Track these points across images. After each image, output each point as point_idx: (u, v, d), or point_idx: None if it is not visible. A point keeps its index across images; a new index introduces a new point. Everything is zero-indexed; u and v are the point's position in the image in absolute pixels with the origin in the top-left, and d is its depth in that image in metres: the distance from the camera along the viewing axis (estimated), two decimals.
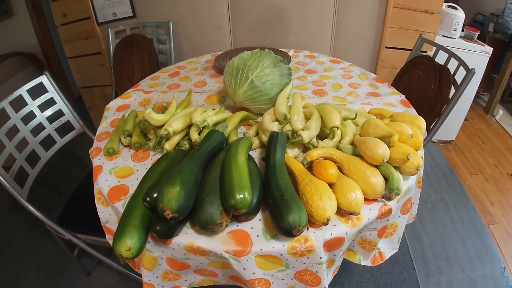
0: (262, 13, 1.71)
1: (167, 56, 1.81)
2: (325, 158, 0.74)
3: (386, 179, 0.68)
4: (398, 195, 0.67)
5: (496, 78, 2.42)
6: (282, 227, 0.56)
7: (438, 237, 1.49)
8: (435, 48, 1.30)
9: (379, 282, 1.29)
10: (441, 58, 1.23)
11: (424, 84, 1.20)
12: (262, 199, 0.65)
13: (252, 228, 0.63)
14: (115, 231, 0.59)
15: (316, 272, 0.63)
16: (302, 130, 0.77)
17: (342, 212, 0.63)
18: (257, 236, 0.62)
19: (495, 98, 2.43)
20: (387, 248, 0.79)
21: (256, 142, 0.84)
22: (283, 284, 0.66)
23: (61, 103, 1.18)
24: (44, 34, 2.33)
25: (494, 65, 2.46)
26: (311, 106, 0.91)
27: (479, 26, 2.49)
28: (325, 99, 1.08)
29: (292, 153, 0.78)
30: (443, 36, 1.89)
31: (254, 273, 0.62)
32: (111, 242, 0.58)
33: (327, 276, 0.67)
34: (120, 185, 0.75)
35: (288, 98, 0.94)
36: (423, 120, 0.80)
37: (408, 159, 0.66)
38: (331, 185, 0.65)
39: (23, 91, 1.08)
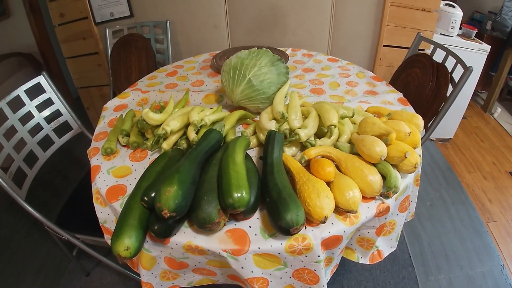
0: (259, 12, 1.71)
1: (164, 56, 1.80)
2: (323, 157, 0.74)
3: (384, 177, 0.68)
4: (396, 193, 0.67)
5: (494, 76, 2.43)
6: (280, 226, 0.56)
7: (437, 235, 1.49)
8: (433, 46, 1.30)
9: (378, 280, 1.29)
10: (438, 56, 1.24)
11: (422, 82, 1.20)
12: (260, 198, 0.65)
13: (250, 227, 0.63)
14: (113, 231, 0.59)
15: (314, 270, 0.63)
16: (300, 128, 0.77)
17: (340, 210, 0.64)
18: (255, 234, 0.62)
19: (493, 96, 2.44)
20: (386, 246, 0.79)
21: (253, 141, 0.84)
22: (281, 282, 0.66)
23: (59, 104, 1.18)
24: (42, 35, 2.32)
25: (492, 63, 2.47)
26: (308, 105, 0.91)
27: (477, 24, 2.50)
28: (322, 97, 1.08)
29: (289, 152, 0.79)
30: (440, 34, 1.90)
31: (252, 271, 0.62)
32: (109, 242, 0.58)
33: (325, 275, 0.67)
34: (118, 184, 0.75)
35: (285, 97, 0.94)
36: (421, 118, 0.80)
37: (406, 157, 0.66)
38: (328, 184, 0.65)
39: (20, 91, 1.08)
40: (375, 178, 0.65)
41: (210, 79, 1.24)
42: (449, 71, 1.16)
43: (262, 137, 0.81)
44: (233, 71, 0.91)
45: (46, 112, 1.16)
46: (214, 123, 0.86)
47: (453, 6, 1.85)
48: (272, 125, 0.80)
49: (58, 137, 1.19)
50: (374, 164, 0.69)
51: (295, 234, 0.58)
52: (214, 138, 0.75)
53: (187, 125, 0.85)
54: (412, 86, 1.27)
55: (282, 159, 0.72)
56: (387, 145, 0.68)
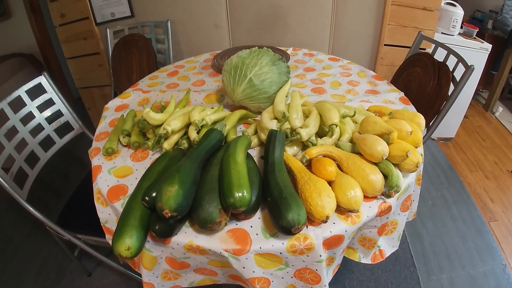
0: (260, 11, 1.70)
1: (165, 56, 1.80)
2: (324, 156, 0.73)
3: (385, 176, 0.67)
4: (398, 192, 0.67)
5: (495, 75, 2.42)
6: (281, 225, 0.56)
7: (439, 235, 1.49)
8: (434, 45, 1.30)
9: (380, 280, 1.29)
10: (440, 55, 1.23)
11: (423, 81, 1.19)
12: (261, 197, 0.65)
13: (251, 226, 0.63)
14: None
15: (316, 270, 0.63)
16: (301, 128, 0.77)
17: (341, 209, 0.63)
18: (256, 234, 0.62)
19: (495, 95, 2.43)
20: (387, 245, 0.79)
21: (255, 140, 0.84)
22: (283, 282, 0.66)
23: (60, 104, 1.18)
24: (43, 35, 2.33)
25: (493, 62, 2.46)
26: (309, 104, 0.91)
27: (478, 23, 2.49)
28: (324, 97, 1.08)
29: (291, 151, 0.78)
30: (442, 33, 1.89)
31: (253, 271, 0.62)
32: (110, 242, 0.58)
33: (327, 274, 0.66)
34: (119, 184, 0.75)
35: (286, 96, 0.94)
36: (422, 117, 0.79)
37: (407, 156, 0.66)
38: (330, 183, 0.65)
39: (22, 92, 1.08)
40: (376, 177, 0.65)
41: (211, 79, 1.23)
42: (451, 70, 1.16)
43: (263, 136, 0.80)
44: (234, 71, 0.91)
45: (47, 113, 1.16)
46: (215, 122, 0.86)
47: (454, 5, 1.85)
48: (273, 125, 0.80)
49: (59, 138, 1.19)
50: (375, 163, 0.68)
51: (296, 233, 0.58)
52: (215, 137, 0.75)
53: (188, 125, 0.85)
54: (413, 85, 1.26)
55: (283, 158, 0.71)
56: (388, 144, 0.67)
